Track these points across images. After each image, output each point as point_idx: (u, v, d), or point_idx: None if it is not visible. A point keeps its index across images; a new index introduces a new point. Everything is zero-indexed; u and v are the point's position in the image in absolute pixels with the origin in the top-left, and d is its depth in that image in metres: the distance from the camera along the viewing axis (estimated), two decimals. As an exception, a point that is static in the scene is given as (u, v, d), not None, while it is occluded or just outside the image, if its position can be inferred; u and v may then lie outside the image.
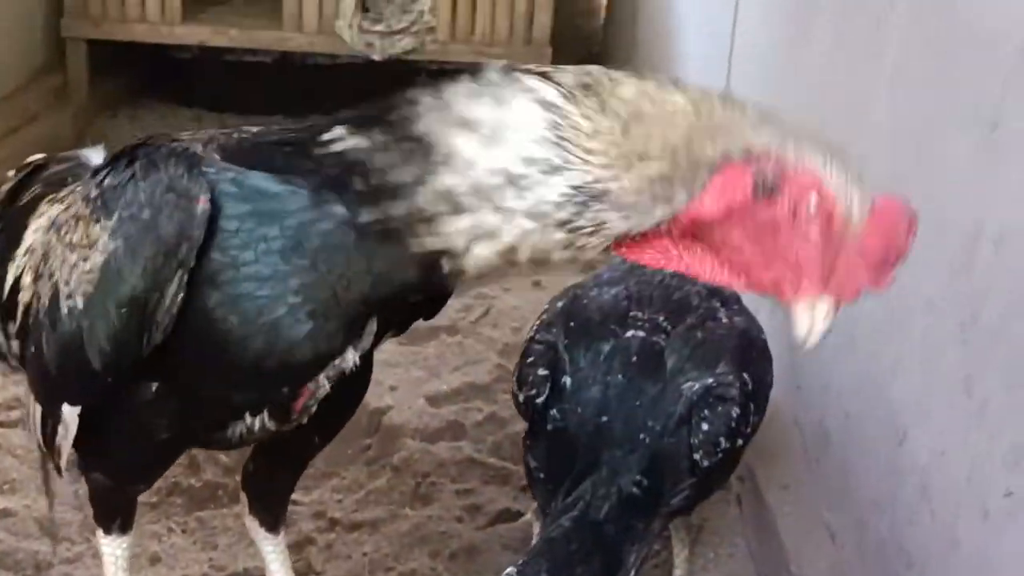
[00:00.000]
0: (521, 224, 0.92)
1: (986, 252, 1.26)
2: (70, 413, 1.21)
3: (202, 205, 1.02)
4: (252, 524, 1.54)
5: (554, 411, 1.50)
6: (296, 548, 1.93)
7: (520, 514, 2.02)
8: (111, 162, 1.12)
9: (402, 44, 4.22)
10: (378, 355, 1.26)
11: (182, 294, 1.04)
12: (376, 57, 4.23)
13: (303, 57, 4.61)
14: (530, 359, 1.55)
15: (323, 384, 1.17)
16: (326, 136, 1.01)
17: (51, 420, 1.25)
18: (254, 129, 1.16)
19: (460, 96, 0.94)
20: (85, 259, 1.10)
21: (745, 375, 1.52)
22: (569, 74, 0.95)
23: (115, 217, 1.06)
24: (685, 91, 0.94)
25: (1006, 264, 1.22)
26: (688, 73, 3.04)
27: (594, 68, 0.96)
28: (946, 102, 1.39)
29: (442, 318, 1.71)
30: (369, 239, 0.98)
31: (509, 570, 1.35)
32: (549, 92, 0.92)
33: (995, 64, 1.25)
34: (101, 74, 4.16)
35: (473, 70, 0.96)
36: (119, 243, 1.06)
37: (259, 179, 1.04)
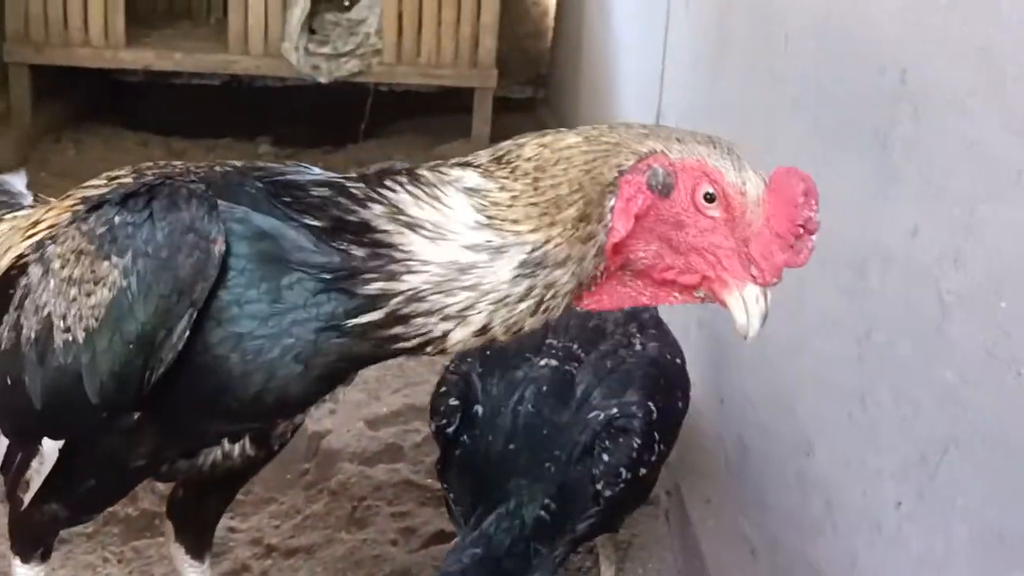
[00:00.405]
0: (486, 307, 0.99)
1: (876, 274, 1.30)
2: (51, 447, 1.22)
3: (219, 247, 1.05)
4: (177, 552, 1.54)
5: (465, 438, 1.52)
6: (232, 575, 1.93)
7: (454, 535, 2.04)
8: (122, 200, 1.12)
9: (348, 66, 4.24)
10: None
11: (188, 332, 1.07)
12: (323, 79, 4.24)
13: (250, 80, 4.62)
14: (443, 389, 1.58)
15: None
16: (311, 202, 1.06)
17: (22, 453, 1.25)
18: (235, 164, 1.19)
19: (405, 201, 1.02)
20: (89, 294, 1.12)
21: (651, 404, 1.54)
22: (485, 153, 1.04)
23: (128, 254, 1.08)
24: (577, 131, 1.02)
25: (892, 286, 1.26)
26: (626, 92, 3.09)
27: (505, 142, 1.04)
28: (839, 127, 1.43)
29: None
30: (355, 337, 1.04)
31: None
32: (469, 176, 1.01)
33: (881, 90, 1.29)
34: (45, 98, 4.14)
35: (408, 171, 1.05)
36: (131, 280, 1.08)
37: (262, 220, 1.08)
